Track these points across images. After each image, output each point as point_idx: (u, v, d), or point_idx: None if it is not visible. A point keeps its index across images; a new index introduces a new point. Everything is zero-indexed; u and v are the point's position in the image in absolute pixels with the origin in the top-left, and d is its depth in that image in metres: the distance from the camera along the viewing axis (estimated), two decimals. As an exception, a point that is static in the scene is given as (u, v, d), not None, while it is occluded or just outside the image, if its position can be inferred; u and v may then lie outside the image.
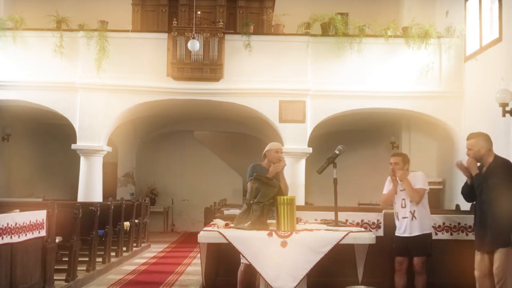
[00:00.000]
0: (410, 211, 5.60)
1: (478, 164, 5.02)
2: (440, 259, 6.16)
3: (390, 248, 5.88)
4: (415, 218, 5.59)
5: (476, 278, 5.00)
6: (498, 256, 4.75)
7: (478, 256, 5.01)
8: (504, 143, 8.75)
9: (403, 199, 5.65)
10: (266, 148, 5.47)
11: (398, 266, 5.71)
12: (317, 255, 3.78)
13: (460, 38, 11.06)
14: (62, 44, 11.11)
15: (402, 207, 5.66)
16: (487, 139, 5.01)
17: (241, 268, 5.23)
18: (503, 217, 4.74)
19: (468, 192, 5.14)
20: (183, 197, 15.61)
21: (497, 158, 4.98)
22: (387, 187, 5.83)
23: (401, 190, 5.67)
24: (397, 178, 5.66)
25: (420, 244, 5.58)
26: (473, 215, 6.39)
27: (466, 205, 8.87)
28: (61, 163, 14.47)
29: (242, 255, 3.88)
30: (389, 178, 5.84)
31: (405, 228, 5.62)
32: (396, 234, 5.74)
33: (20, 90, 11.25)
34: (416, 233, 5.58)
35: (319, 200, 12.76)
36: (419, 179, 5.67)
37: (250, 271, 5.07)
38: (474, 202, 5.26)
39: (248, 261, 3.84)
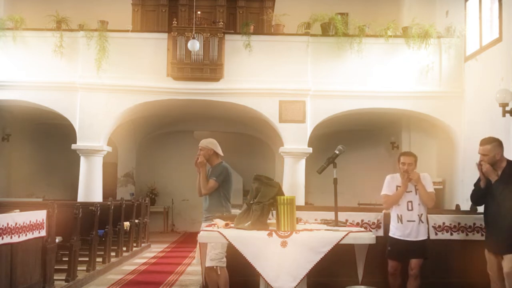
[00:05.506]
0: (418, 215, 5.39)
1: None
2: (440, 259, 6.15)
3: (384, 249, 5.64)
4: (422, 222, 5.40)
5: (490, 278, 4.97)
6: (510, 259, 4.67)
7: (490, 257, 4.94)
8: (504, 143, 8.73)
9: (409, 201, 5.40)
10: None
11: (392, 270, 5.52)
12: (317, 255, 3.76)
13: (460, 38, 11.05)
14: (62, 44, 11.12)
15: (408, 209, 5.39)
16: (500, 144, 4.98)
17: (204, 275, 5.17)
18: None
19: (482, 195, 5.02)
20: (183, 197, 15.59)
21: (510, 162, 4.94)
22: (390, 187, 5.53)
23: (407, 192, 5.42)
24: (411, 180, 5.38)
25: (422, 248, 5.41)
26: (472, 215, 6.39)
27: (466, 205, 8.87)
28: (61, 163, 14.47)
29: (243, 255, 3.87)
30: (388, 177, 5.59)
31: (410, 232, 5.38)
32: (396, 236, 5.48)
33: (20, 90, 11.25)
34: (422, 237, 5.40)
35: (319, 200, 12.76)
36: (428, 182, 5.46)
37: (214, 272, 5.13)
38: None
39: (248, 261, 3.84)
